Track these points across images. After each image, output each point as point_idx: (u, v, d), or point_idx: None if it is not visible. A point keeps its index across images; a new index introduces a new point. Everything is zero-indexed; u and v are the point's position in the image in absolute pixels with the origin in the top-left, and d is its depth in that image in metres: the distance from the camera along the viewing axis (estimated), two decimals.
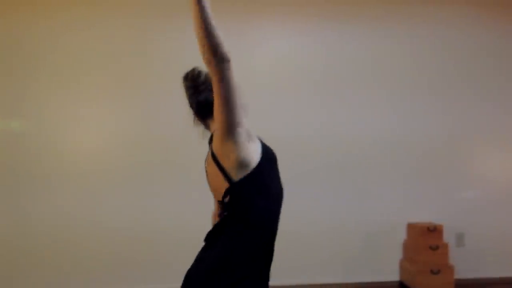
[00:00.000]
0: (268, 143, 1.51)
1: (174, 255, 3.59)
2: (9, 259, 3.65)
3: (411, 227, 3.89)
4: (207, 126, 1.60)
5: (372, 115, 4.03)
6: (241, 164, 1.35)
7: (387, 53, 4.08)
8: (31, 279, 3.64)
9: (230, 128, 1.32)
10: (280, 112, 3.91)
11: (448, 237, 3.87)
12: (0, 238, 3.65)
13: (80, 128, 3.78)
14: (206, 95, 1.52)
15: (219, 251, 1.36)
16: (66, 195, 3.71)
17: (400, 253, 4.01)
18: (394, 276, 3.99)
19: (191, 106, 1.58)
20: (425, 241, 3.70)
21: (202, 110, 1.55)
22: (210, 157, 1.44)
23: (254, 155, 1.38)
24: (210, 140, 1.50)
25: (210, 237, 1.44)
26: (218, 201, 1.45)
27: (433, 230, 3.73)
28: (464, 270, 3.96)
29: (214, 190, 1.48)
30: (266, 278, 1.43)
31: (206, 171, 1.52)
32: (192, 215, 3.64)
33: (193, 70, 1.56)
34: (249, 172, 1.36)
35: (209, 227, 1.52)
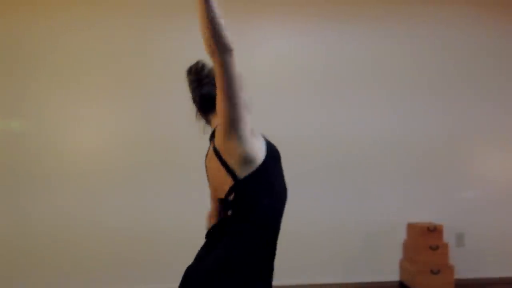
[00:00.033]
0: None
1: (174, 255, 3.59)
2: (9, 259, 3.65)
3: (411, 227, 3.89)
4: (208, 121, 1.57)
5: (372, 115, 4.03)
6: (245, 160, 1.32)
7: (387, 53, 4.08)
8: (31, 279, 3.64)
9: (233, 122, 1.28)
10: (280, 112, 3.91)
11: (448, 237, 3.87)
12: (0, 238, 3.65)
13: (80, 128, 3.78)
14: (209, 89, 1.49)
15: (221, 251, 1.33)
16: (66, 195, 3.71)
17: (400, 253, 4.01)
18: (394, 276, 3.99)
19: (194, 100, 1.56)
20: (425, 241, 3.70)
21: (204, 104, 1.53)
22: (212, 153, 1.41)
23: (258, 152, 1.35)
24: (212, 136, 1.47)
25: (211, 236, 1.42)
26: (220, 199, 1.42)
27: (433, 230, 3.73)
28: (464, 270, 3.96)
29: (215, 187, 1.45)
30: (269, 277, 1.41)
31: (207, 168, 1.50)
32: (192, 215, 3.63)
33: (197, 63, 1.54)
34: (254, 169, 1.33)
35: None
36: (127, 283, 3.71)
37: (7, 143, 3.71)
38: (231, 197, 1.35)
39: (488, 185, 4.13)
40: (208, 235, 1.44)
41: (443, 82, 4.13)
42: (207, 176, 1.51)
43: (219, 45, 1.19)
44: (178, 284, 1.38)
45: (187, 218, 3.71)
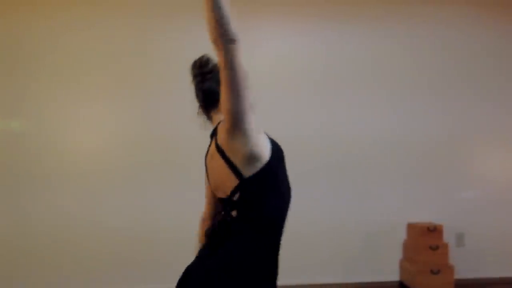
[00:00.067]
0: None
1: (174, 255, 3.59)
2: (9, 259, 3.65)
3: (411, 227, 3.89)
4: (209, 118, 1.53)
5: (372, 115, 4.03)
6: (251, 157, 1.27)
7: (387, 53, 4.08)
8: (31, 279, 3.64)
9: (238, 117, 1.23)
10: (280, 112, 3.91)
11: (448, 237, 3.87)
12: (0, 238, 3.65)
13: (80, 128, 3.78)
14: (212, 84, 1.46)
15: (226, 252, 1.30)
16: (66, 195, 3.71)
17: (400, 253, 4.01)
18: (394, 276, 3.99)
19: (197, 95, 1.53)
20: (425, 241, 3.70)
21: (207, 99, 1.49)
22: (214, 150, 1.36)
23: (263, 149, 1.31)
24: (213, 133, 1.43)
25: (215, 236, 1.38)
26: (221, 198, 1.38)
27: (433, 230, 3.73)
28: (464, 270, 3.96)
29: (217, 186, 1.40)
30: (274, 278, 1.38)
31: (207, 166, 1.46)
32: (192, 215, 3.62)
33: (202, 57, 1.51)
34: (260, 167, 1.29)
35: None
36: (127, 283, 3.71)
37: (7, 143, 3.71)
38: (235, 197, 1.31)
39: (488, 185, 4.13)
40: (211, 235, 1.41)
41: (443, 82, 4.13)
42: (207, 174, 1.47)
43: (224, 34, 1.16)
44: None
45: (187, 218, 3.69)
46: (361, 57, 4.05)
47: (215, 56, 1.28)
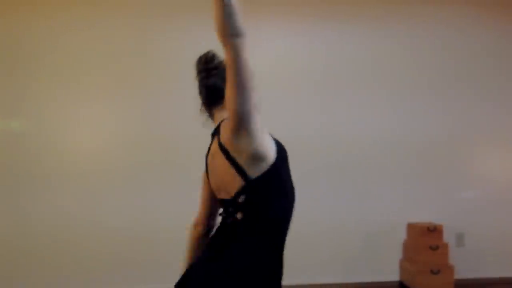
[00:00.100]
0: None
1: (174, 255, 3.57)
2: (9, 259, 3.65)
3: (411, 227, 3.89)
4: (211, 116, 1.49)
5: (372, 115, 4.03)
6: (256, 157, 1.24)
7: (387, 53, 4.08)
8: (31, 279, 3.64)
9: (244, 117, 1.19)
10: (280, 112, 3.91)
11: (448, 237, 3.87)
12: (0, 238, 3.65)
13: (80, 128, 3.78)
14: (217, 80, 1.43)
15: (233, 257, 1.26)
16: (66, 195, 3.71)
17: (400, 253, 4.01)
18: (394, 276, 3.99)
19: (200, 92, 1.49)
20: (425, 241, 3.70)
21: (210, 96, 1.46)
22: (216, 149, 1.32)
23: (269, 150, 1.27)
24: (215, 132, 1.40)
25: (219, 238, 1.34)
26: (223, 200, 1.35)
27: (433, 230, 3.72)
28: (464, 270, 3.96)
29: (218, 187, 1.36)
30: (280, 277, 1.36)
31: (208, 167, 1.42)
32: (192, 215, 3.63)
33: (208, 52, 1.47)
34: (266, 168, 1.26)
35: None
36: (127, 283, 3.71)
37: (7, 143, 3.71)
38: (241, 199, 1.27)
39: (488, 185, 4.13)
40: (214, 236, 1.38)
41: (443, 82, 4.13)
42: (208, 174, 1.43)
43: (231, 27, 1.13)
44: None
45: (187, 218, 3.68)
46: (361, 57, 4.05)
47: (221, 53, 1.25)
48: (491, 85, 4.18)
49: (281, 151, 1.35)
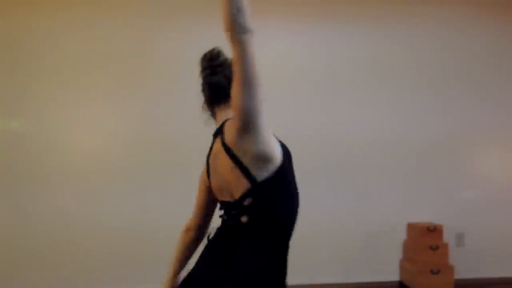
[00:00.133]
0: None
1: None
2: (9, 259, 3.65)
3: (411, 227, 3.89)
4: (213, 114, 1.45)
5: (372, 115, 4.03)
6: (262, 158, 1.20)
7: (387, 53, 4.08)
8: (31, 279, 3.64)
9: (250, 115, 1.16)
10: (280, 112, 3.91)
11: (448, 237, 3.87)
12: (0, 238, 3.65)
13: (80, 128, 3.78)
14: (220, 78, 1.39)
15: (239, 262, 1.23)
16: (66, 195, 3.71)
17: (400, 253, 4.01)
18: (394, 276, 3.99)
19: (203, 89, 1.45)
20: (425, 241, 3.70)
21: (213, 94, 1.42)
22: (219, 149, 1.29)
23: (275, 151, 1.24)
24: (218, 132, 1.36)
25: (222, 241, 1.31)
26: (225, 201, 1.32)
27: (433, 230, 3.72)
28: (464, 270, 3.96)
29: (220, 188, 1.32)
30: (284, 278, 1.34)
31: (210, 167, 1.38)
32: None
33: (213, 49, 1.43)
34: (274, 171, 1.22)
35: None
36: (127, 283, 3.71)
37: (7, 143, 3.71)
38: (247, 202, 1.22)
39: (488, 185, 4.13)
40: (215, 239, 1.35)
41: (443, 82, 4.13)
42: (209, 175, 1.39)
43: (238, 23, 1.10)
44: None
45: (187, 218, 3.70)
46: (361, 57, 4.05)
47: (225, 51, 1.24)
48: (491, 85, 4.18)
49: (287, 152, 1.33)
